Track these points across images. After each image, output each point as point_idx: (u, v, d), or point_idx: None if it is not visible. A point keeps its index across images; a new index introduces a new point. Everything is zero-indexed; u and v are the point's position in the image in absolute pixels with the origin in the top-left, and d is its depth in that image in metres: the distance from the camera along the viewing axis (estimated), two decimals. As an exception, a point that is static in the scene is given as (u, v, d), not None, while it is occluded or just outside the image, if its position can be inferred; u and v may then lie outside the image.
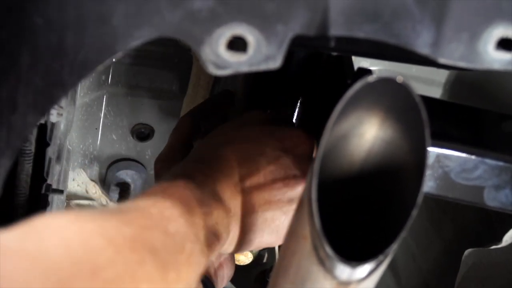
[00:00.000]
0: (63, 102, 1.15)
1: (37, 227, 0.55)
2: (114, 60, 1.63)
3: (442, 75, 1.80)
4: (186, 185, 0.80)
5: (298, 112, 1.19)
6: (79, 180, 1.82)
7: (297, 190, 0.91)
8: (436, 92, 1.79)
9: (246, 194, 0.89)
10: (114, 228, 0.62)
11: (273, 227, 0.91)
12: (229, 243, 0.89)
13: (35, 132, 1.08)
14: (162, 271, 0.64)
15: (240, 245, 0.90)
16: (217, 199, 0.84)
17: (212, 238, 0.79)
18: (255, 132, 0.95)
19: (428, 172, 0.89)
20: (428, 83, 1.79)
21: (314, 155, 0.99)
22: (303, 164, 0.93)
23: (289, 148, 0.94)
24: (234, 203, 0.87)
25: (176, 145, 1.06)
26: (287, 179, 0.91)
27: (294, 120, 1.16)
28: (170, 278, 0.65)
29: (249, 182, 0.89)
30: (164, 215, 0.71)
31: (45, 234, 0.55)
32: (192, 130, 1.08)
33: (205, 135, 1.03)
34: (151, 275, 0.63)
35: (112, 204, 1.88)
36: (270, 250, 1.66)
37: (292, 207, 0.90)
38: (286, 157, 0.92)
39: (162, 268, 0.64)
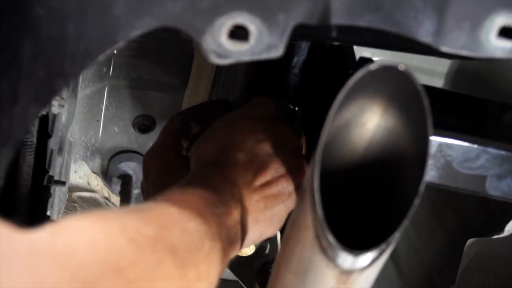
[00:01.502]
0: (65, 93, 1.15)
1: (65, 228, 0.56)
2: (115, 51, 1.63)
3: (443, 66, 1.80)
4: (205, 186, 0.84)
5: (300, 103, 1.19)
6: (81, 172, 1.83)
7: (295, 183, 0.97)
8: (438, 83, 1.79)
9: (258, 192, 0.93)
10: (136, 228, 0.63)
11: (278, 220, 0.96)
12: (246, 240, 0.93)
13: (36, 123, 1.08)
14: (181, 270, 0.66)
15: (253, 240, 0.94)
16: (236, 200, 0.88)
17: (233, 237, 0.83)
18: (259, 129, 0.98)
19: (430, 162, 0.89)
20: (430, 74, 1.79)
21: (303, 151, 1.07)
22: (298, 158, 0.99)
23: (285, 143, 0.99)
24: (250, 202, 0.91)
25: (164, 142, 1.10)
26: (287, 174, 0.96)
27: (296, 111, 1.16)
28: (189, 276, 0.67)
29: (258, 181, 0.93)
30: (183, 215, 0.73)
31: (73, 235, 0.56)
32: (182, 129, 1.12)
33: (194, 137, 1.10)
34: (171, 274, 0.64)
35: (114, 197, 1.89)
36: (272, 242, 1.66)
37: (290, 199, 0.96)
38: (285, 152, 0.97)
39: (181, 267, 0.66)
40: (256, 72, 1.19)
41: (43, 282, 0.48)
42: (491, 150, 0.89)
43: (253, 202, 0.92)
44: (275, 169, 0.95)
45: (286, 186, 0.95)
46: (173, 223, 0.71)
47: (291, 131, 1.01)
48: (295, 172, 0.96)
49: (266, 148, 0.96)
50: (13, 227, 0.50)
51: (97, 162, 1.83)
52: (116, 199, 1.88)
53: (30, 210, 1.16)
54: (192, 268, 0.68)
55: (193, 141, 1.15)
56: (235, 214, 0.86)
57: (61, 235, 0.55)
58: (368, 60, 0.94)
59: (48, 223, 0.55)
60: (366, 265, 0.68)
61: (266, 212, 0.94)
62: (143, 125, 1.78)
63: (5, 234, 0.48)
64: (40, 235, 0.53)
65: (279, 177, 0.95)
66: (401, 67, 0.63)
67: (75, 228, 0.57)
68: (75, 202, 1.85)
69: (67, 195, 1.77)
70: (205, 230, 0.75)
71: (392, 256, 1.83)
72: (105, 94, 1.71)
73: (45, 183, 1.21)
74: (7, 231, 0.49)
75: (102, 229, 0.59)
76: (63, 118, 1.34)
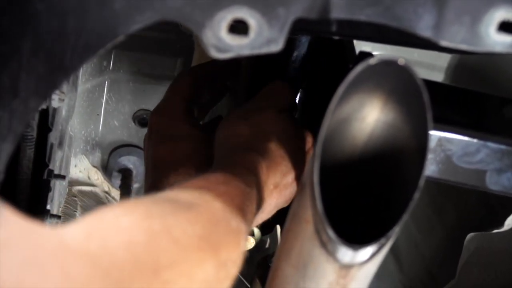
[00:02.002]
0: (65, 87, 1.15)
1: (101, 227, 0.55)
2: (115, 45, 1.63)
3: (443, 60, 1.80)
4: (245, 175, 0.84)
5: (300, 97, 1.19)
6: (81, 166, 1.83)
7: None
8: (437, 77, 1.79)
9: (278, 191, 0.92)
10: (181, 228, 0.63)
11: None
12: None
13: (37, 117, 1.08)
14: (218, 269, 0.66)
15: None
16: (261, 197, 0.87)
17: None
18: (280, 123, 0.98)
19: (430, 156, 0.89)
20: (430, 68, 1.79)
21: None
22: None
23: (299, 140, 0.99)
24: (270, 201, 0.91)
25: (176, 102, 1.05)
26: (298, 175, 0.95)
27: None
28: (221, 276, 0.68)
29: (282, 181, 0.93)
30: (227, 211, 0.73)
31: (109, 234, 0.55)
32: (193, 94, 1.07)
33: (207, 106, 1.08)
34: (208, 275, 0.65)
35: (114, 191, 1.89)
36: (272, 236, 1.66)
37: None
38: (301, 155, 0.97)
39: (218, 266, 0.67)
40: (256, 66, 1.19)
41: (73, 280, 0.48)
42: (491, 144, 0.89)
43: (272, 202, 0.92)
44: (290, 169, 0.94)
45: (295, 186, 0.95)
46: (218, 220, 0.71)
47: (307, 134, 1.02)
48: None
49: (289, 145, 0.95)
50: (43, 225, 0.49)
51: (97, 156, 1.83)
52: (116, 193, 1.88)
53: (30, 204, 1.16)
54: (228, 268, 0.69)
55: (203, 110, 1.15)
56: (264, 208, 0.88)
57: (96, 234, 0.54)
58: (368, 54, 0.94)
59: (83, 218, 0.55)
60: (366, 260, 0.69)
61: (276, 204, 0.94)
62: (143, 119, 1.78)
63: (35, 231, 0.48)
64: (73, 234, 0.52)
65: (294, 179, 0.94)
66: (401, 62, 0.63)
67: (111, 226, 0.56)
68: (75, 196, 1.85)
69: (67, 189, 1.77)
70: (243, 229, 0.75)
71: (392, 251, 1.84)
72: (106, 88, 1.71)
73: (45, 177, 1.21)
74: (37, 229, 0.48)
75: (145, 230, 0.58)
76: (63, 112, 1.34)
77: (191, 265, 0.62)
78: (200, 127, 1.04)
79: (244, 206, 0.78)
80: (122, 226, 0.57)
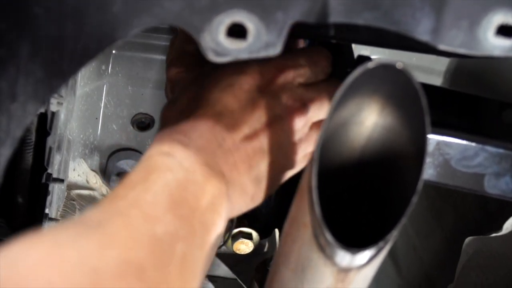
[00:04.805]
0: (63, 91, 1.15)
1: (20, 264, 0.51)
2: (114, 49, 1.63)
3: (442, 64, 1.80)
4: (172, 169, 0.71)
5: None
6: (79, 170, 1.82)
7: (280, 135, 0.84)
8: (436, 81, 1.79)
9: (239, 148, 0.81)
10: (96, 254, 0.56)
11: (268, 178, 0.84)
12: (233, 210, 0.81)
13: (35, 121, 1.08)
14: None
15: (243, 207, 0.82)
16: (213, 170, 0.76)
17: (208, 220, 0.72)
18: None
19: (428, 160, 0.89)
20: (428, 72, 1.78)
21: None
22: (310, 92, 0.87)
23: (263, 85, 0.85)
24: (228, 165, 0.79)
25: (186, 48, 0.96)
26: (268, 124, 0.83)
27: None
28: None
29: (237, 135, 0.81)
30: (149, 215, 0.64)
31: (25, 272, 0.51)
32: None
33: None
34: None
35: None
36: (271, 239, 1.66)
37: (281, 153, 0.84)
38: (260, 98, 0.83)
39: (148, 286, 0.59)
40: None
41: None
42: (489, 148, 0.89)
43: (233, 162, 0.79)
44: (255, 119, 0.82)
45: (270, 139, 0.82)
46: (137, 234, 0.61)
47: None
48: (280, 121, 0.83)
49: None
50: None
51: (96, 160, 1.83)
52: (114, 197, 1.88)
53: (28, 208, 1.17)
54: (163, 286, 0.61)
55: None
56: (209, 190, 0.73)
57: (15, 271, 0.50)
58: (367, 58, 0.94)
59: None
60: (364, 263, 0.69)
61: (250, 173, 0.81)
62: (142, 123, 1.78)
63: None
64: None
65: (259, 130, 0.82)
66: (399, 65, 0.63)
67: (26, 261, 0.52)
68: (73, 200, 1.85)
69: (66, 193, 1.77)
70: (175, 229, 0.65)
71: (391, 254, 1.84)
72: (104, 92, 1.71)
73: (43, 181, 1.21)
74: None
75: (59, 263, 0.53)
76: (62, 116, 1.34)
77: None
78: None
79: (177, 199, 0.68)
80: (35, 261, 0.52)
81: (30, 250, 0.53)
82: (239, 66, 0.83)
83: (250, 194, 0.81)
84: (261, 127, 0.81)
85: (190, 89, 0.85)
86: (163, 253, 0.62)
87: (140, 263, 0.59)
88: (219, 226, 0.73)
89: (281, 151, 0.84)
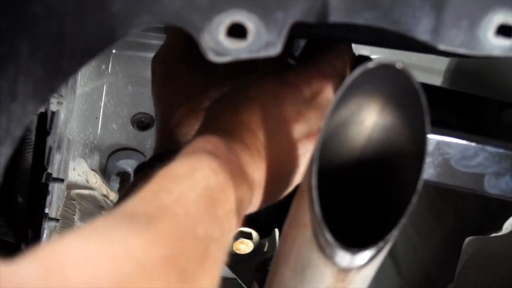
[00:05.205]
0: (63, 90, 1.15)
1: (60, 261, 0.52)
2: (114, 50, 1.63)
3: (442, 64, 1.79)
4: (213, 170, 0.73)
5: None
6: (79, 170, 1.82)
7: None
8: (436, 81, 1.79)
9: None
10: (143, 250, 0.58)
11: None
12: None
13: (35, 121, 1.08)
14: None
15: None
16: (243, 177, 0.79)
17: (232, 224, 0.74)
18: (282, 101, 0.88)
19: (428, 159, 0.89)
20: (428, 72, 1.78)
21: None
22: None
23: (310, 98, 0.89)
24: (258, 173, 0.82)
25: (172, 44, 1.02)
26: (310, 135, 0.87)
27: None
28: None
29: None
30: (192, 215, 0.66)
31: (70, 270, 0.51)
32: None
33: None
34: None
35: (113, 194, 1.88)
36: (271, 239, 1.66)
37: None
38: (307, 110, 0.88)
39: (187, 285, 0.62)
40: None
41: None
42: (489, 148, 0.89)
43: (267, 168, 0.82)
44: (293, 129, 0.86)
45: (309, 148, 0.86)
46: (183, 234, 0.64)
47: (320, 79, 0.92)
48: None
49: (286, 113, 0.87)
50: None
51: (96, 159, 1.83)
52: (114, 196, 1.88)
53: (28, 207, 1.16)
54: (196, 284, 0.63)
55: None
56: (239, 194, 0.76)
57: (56, 270, 0.51)
58: (366, 58, 0.94)
59: (37, 249, 0.51)
60: (364, 263, 0.68)
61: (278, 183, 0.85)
62: (142, 123, 1.78)
63: None
64: (31, 271, 0.49)
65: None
66: (399, 65, 0.63)
67: (70, 260, 0.53)
68: (73, 200, 1.85)
69: (66, 192, 1.77)
70: (211, 230, 0.67)
71: (391, 254, 1.84)
72: (104, 92, 1.71)
73: (43, 180, 1.21)
74: None
75: (108, 258, 0.54)
76: (62, 115, 1.34)
77: None
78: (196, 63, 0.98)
79: (214, 202, 0.70)
80: (80, 259, 0.53)
81: (80, 247, 0.54)
82: (284, 77, 0.88)
83: (270, 201, 0.85)
84: (300, 137, 0.86)
85: (236, 94, 0.88)
86: (200, 253, 0.65)
87: (181, 262, 0.61)
88: (237, 228, 0.76)
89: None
